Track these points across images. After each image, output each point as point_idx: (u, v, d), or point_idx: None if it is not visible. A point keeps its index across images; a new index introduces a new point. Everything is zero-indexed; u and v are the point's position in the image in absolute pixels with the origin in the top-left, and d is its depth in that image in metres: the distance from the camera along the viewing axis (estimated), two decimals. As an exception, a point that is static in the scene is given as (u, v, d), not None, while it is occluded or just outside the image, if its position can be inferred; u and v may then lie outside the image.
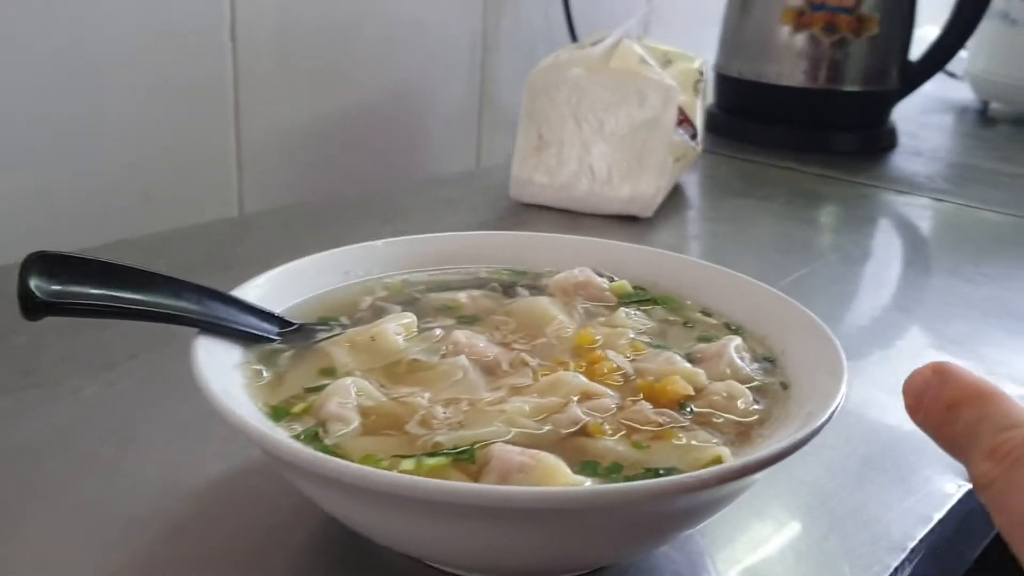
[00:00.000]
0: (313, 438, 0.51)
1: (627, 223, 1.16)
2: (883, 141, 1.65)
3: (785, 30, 1.55)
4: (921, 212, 1.34)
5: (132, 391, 0.73)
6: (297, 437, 0.51)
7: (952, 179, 1.51)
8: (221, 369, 0.54)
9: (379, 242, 0.72)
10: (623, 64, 1.13)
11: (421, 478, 0.43)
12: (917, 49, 1.64)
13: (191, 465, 0.63)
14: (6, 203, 1.03)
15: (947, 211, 1.34)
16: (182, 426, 0.67)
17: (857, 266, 1.10)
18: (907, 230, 1.32)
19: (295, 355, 0.60)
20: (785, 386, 0.59)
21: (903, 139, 1.69)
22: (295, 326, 0.62)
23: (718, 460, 0.50)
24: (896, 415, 0.76)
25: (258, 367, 0.57)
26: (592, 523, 0.46)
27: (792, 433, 0.49)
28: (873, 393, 0.79)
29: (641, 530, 0.48)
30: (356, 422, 0.52)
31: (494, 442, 0.50)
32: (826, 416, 0.50)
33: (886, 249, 1.21)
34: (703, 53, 1.66)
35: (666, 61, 1.25)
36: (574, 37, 1.59)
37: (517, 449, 0.49)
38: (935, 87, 1.70)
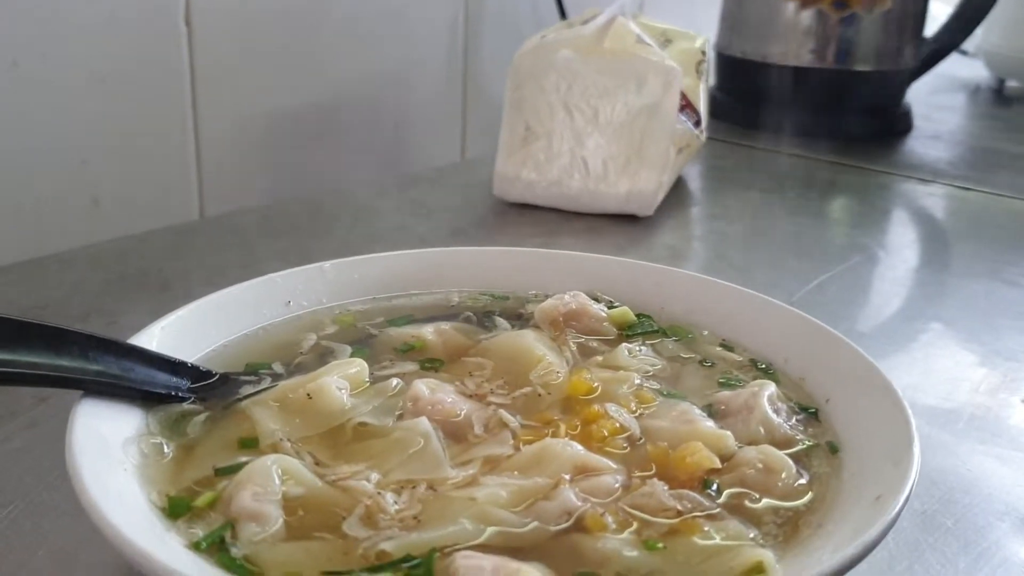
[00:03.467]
0: (218, 547, 0.38)
1: (625, 223, 1.03)
2: (898, 124, 1.52)
3: (791, 6, 1.41)
4: (947, 203, 1.21)
5: (33, 446, 0.60)
6: (196, 546, 0.38)
7: (976, 165, 1.39)
8: (106, 447, 0.41)
9: (328, 264, 0.59)
10: (618, 44, 1.00)
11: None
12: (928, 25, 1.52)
13: (95, 548, 0.50)
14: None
15: (976, 201, 1.21)
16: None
17: (884, 269, 0.98)
18: (934, 224, 1.19)
19: (210, 419, 0.47)
20: (834, 449, 0.46)
21: (918, 122, 1.56)
22: (214, 377, 0.50)
23: (759, 568, 0.37)
24: (952, 455, 0.64)
25: (159, 440, 0.44)
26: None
27: (859, 529, 0.37)
28: (922, 428, 0.67)
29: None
30: (278, 521, 0.40)
31: (460, 548, 0.38)
32: (902, 501, 0.38)
33: (914, 248, 1.08)
34: (703, 32, 1.54)
35: (665, 40, 1.12)
36: (563, 15, 1.46)
37: (489, 563, 0.36)
38: (945, 65, 1.57)
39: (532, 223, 1.03)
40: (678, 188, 1.15)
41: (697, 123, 1.10)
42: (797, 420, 0.49)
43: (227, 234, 1.00)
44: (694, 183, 1.21)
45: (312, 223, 1.03)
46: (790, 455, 0.45)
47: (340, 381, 0.48)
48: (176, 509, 0.40)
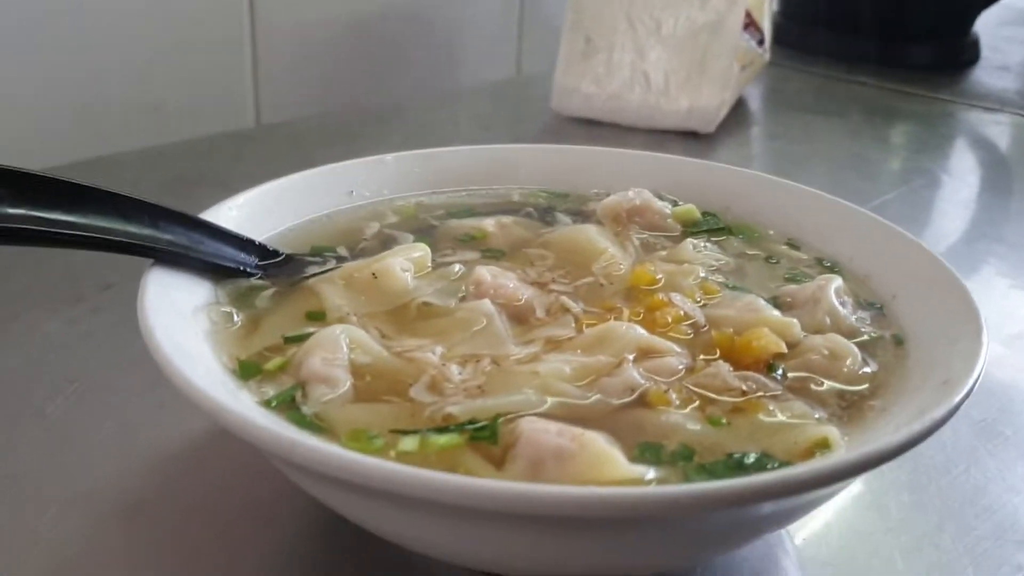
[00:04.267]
0: (288, 405, 0.39)
1: (684, 140, 1.02)
2: (965, 54, 1.48)
3: (861, -74, 1.38)
4: (1014, 131, 1.18)
5: (98, 330, 0.61)
6: (267, 403, 0.39)
7: (1047, 96, 1.35)
8: (177, 312, 0.42)
9: (390, 156, 0.60)
10: (683, -44, 0.98)
11: (419, 472, 0.31)
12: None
13: (156, 424, 0.51)
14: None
15: (1044, 131, 1.18)
16: (152, 375, 0.55)
17: (947, 192, 0.96)
18: (999, 152, 1.16)
19: (278, 294, 0.47)
20: (899, 341, 0.46)
21: (985, 52, 1.51)
22: (281, 257, 0.50)
23: (824, 444, 0.37)
24: (1012, 368, 0.63)
25: (228, 309, 0.45)
26: (652, 532, 0.33)
27: (925, 409, 0.37)
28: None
29: (714, 539, 0.36)
30: (346, 384, 0.40)
31: (523, 415, 0.38)
32: (970, 384, 0.38)
33: (978, 173, 1.06)
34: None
35: (730, -44, 1.09)
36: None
37: (554, 427, 0.36)
38: (1014, -4, 1.53)
39: (590, 137, 1.02)
40: (739, 108, 1.14)
41: (761, 42, 1.08)
42: (863, 314, 0.48)
43: (284, 141, 1.00)
44: (755, 104, 1.19)
45: (368, 132, 1.03)
46: (855, 343, 0.45)
47: (404, 263, 0.49)
48: (247, 371, 0.41)
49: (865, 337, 0.46)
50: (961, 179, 1.01)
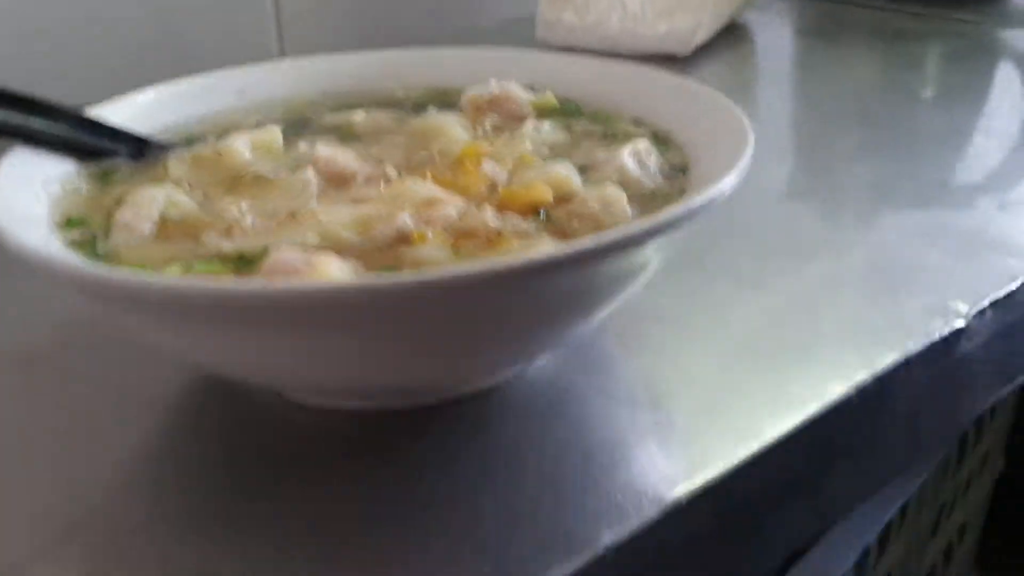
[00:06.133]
0: (87, 245, 0.45)
1: (664, 64, 1.03)
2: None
3: None
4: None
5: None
6: (72, 244, 0.45)
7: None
8: (25, 182, 0.48)
9: (285, 62, 0.65)
10: None
11: (131, 273, 0.37)
12: None
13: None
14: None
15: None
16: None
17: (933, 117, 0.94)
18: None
19: (133, 171, 0.54)
20: (682, 192, 0.49)
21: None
22: (146, 143, 0.56)
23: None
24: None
25: (78, 185, 0.51)
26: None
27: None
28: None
29: (447, 344, 0.41)
30: (147, 231, 0.46)
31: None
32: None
33: (982, 91, 1.02)
34: None
35: None
36: None
37: (300, 256, 0.41)
38: None
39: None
40: (733, 33, 1.15)
41: (748, -36, 1.09)
42: (664, 177, 0.51)
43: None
44: (755, 29, 1.19)
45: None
46: (637, 194, 0.48)
47: (246, 142, 0.54)
48: (71, 224, 0.47)
49: (651, 189, 0.49)
50: (957, 98, 0.99)
